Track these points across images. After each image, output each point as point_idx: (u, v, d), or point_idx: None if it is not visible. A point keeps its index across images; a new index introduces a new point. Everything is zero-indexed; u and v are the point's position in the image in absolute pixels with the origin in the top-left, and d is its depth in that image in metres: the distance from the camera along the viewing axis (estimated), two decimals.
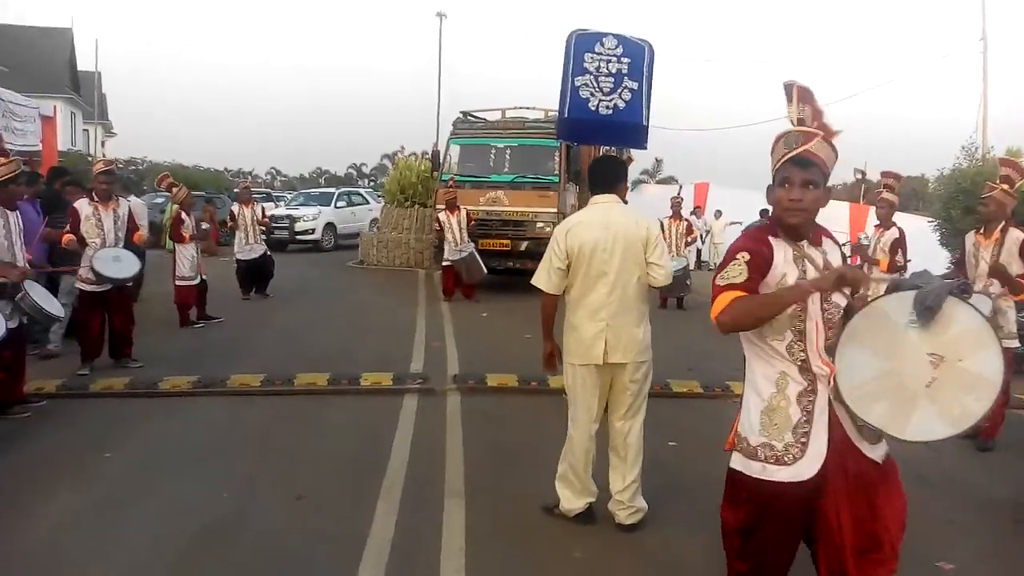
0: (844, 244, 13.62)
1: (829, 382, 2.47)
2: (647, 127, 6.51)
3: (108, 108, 48.44)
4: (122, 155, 51.76)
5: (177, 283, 9.64)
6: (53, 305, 5.93)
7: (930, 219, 13.78)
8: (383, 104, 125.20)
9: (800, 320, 2.49)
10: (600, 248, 3.71)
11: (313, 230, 21.72)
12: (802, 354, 2.49)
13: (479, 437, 5.33)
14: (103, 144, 41.59)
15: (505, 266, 13.32)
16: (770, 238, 2.52)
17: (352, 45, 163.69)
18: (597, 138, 6.63)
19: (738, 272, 2.46)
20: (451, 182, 12.89)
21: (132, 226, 7.37)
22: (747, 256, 2.47)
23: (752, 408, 2.57)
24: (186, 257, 9.64)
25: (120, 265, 7.01)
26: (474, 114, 15.23)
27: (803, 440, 2.52)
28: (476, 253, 12.03)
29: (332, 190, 26.61)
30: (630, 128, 6.37)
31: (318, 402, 6.23)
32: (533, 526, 3.94)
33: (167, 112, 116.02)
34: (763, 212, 17.47)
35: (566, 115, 6.30)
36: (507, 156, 13.79)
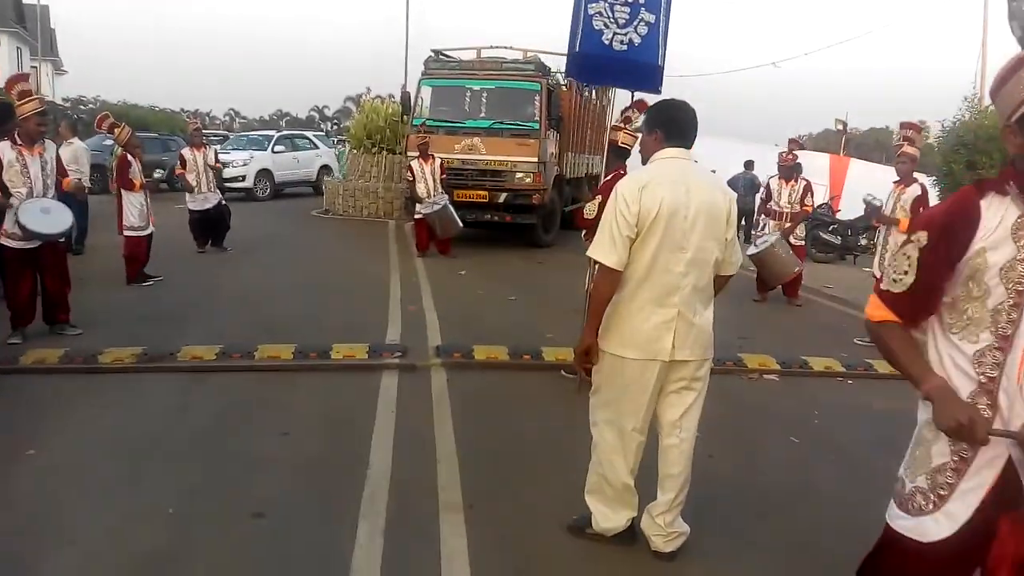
0: (830, 199, 13.06)
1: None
2: (663, 68, 5.71)
3: (58, 44, 45.74)
4: (72, 93, 49.30)
5: (125, 233, 8.69)
6: None
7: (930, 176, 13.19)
8: (348, 45, 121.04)
9: (1012, 319, 1.75)
10: (680, 215, 2.91)
11: (243, 177, 19.55)
12: (993, 371, 1.77)
13: (473, 428, 4.60)
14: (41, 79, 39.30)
15: (483, 219, 12.51)
16: (982, 201, 1.77)
17: None
18: (608, 77, 5.81)
19: (904, 269, 1.76)
20: (423, 127, 11.92)
21: (61, 172, 6.38)
22: (925, 239, 1.76)
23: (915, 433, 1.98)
24: (134, 205, 8.68)
25: (50, 218, 6.05)
26: (447, 53, 14.14)
27: (941, 491, 1.84)
28: (450, 206, 11.17)
29: (270, 133, 24.33)
30: (645, 68, 5.55)
31: (282, 381, 5.43)
32: (552, 549, 3.25)
33: (121, 50, 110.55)
34: (748, 164, 16.85)
35: (577, 49, 5.45)
36: (483, 99, 12.81)
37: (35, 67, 39.29)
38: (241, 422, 4.63)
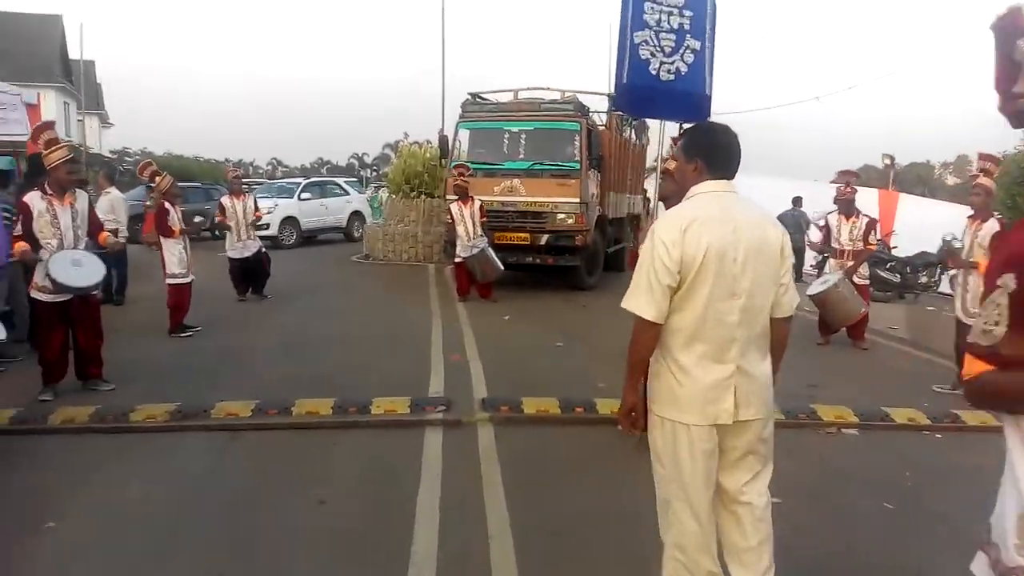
0: (883, 236, 12.42)
1: None
2: (710, 97, 5.36)
3: (104, 98, 47.31)
4: (118, 146, 50.76)
5: (168, 282, 8.56)
6: None
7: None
8: (386, 93, 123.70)
9: None
10: (729, 258, 2.54)
11: (267, 225, 18.74)
12: None
13: (526, 495, 4.17)
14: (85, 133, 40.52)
15: (524, 261, 12.18)
16: None
17: (354, 32, 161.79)
18: (657, 109, 5.47)
19: (995, 320, 1.57)
20: (462, 168, 11.67)
21: (95, 223, 6.22)
22: (1013, 283, 1.54)
23: (1008, 510, 1.64)
24: (174, 253, 8.57)
25: (81, 271, 5.85)
26: (484, 96, 14.00)
27: None
28: (490, 248, 10.87)
29: (298, 180, 24.10)
30: (692, 98, 5.20)
31: (320, 440, 5.09)
32: None
33: (166, 104, 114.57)
34: (796, 200, 16.32)
35: (625, 81, 5.14)
36: (522, 141, 12.57)
37: (81, 120, 40.55)
38: (276, 487, 4.28)
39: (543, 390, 6.12)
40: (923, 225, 18.48)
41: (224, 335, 8.55)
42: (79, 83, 36.09)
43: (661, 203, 4.95)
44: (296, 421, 5.40)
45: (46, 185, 5.83)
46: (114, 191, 10.84)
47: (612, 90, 5.44)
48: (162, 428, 5.27)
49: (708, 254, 2.50)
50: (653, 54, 5.07)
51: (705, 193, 2.67)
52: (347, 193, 22.91)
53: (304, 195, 21.28)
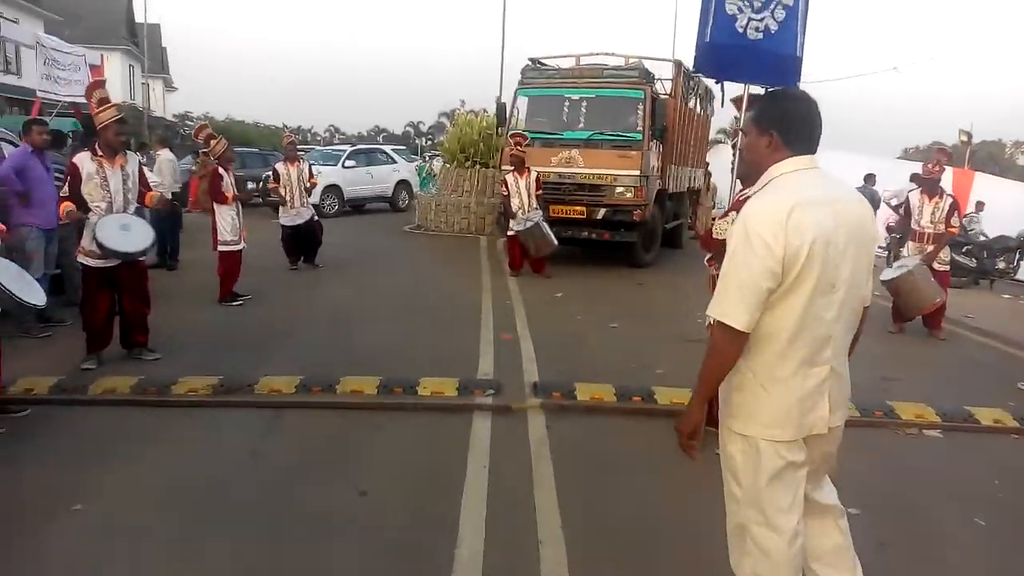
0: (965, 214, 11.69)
1: None
2: (801, 60, 4.87)
3: (169, 62, 48.09)
4: (181, 110, 51.66)
5: (220, 248, 8.46)
6: (30, 290, 4.62)
7: None
8: (444, 61, 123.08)
9: None
10: (832, 246, 2.17)
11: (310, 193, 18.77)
12: None
13: (580, 494, 3.86)
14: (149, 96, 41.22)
15: (579, 236, 11.78)
16: None
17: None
18: (742, 71, 4.99)
19: None
20: (519, 137, 11.26)
21: (144, 185, 6.05)
22: None
23: None
24: (226, 219, 8.44)
25: (129, 236, 5.69)
26: (544, 61, 13.51)
27: None
28: (544, 223, 10.49)
29: (343, 148, 23.31)
30: (781, 60, 4.73)
31: (364, 423, 4.86)
32: None
33: (230, 69, 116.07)
34: (868, 177, 15.48)
35: (708, 39, 4.69)
36: (583, 109, 12.08)
37: (146, 83, 41.27)
38: (315, 473, 4.07)
39: (598, 375, 5.79)
40: (1000, 207, 17.48)
41: (273, 305, 8.42)
42: (143, 46, 36.69)
43: (738, 182, 4.54)
44: (340, 400, 5.18)
45: (97, 146, 5.68)
46: (164, 153, 10.82)
47: (693, 51, 4.97)
48: (204, 403, 5.11)
49: (815, 245, 2.12)
50: (741, 9, 4.61)
51: (790, 173, 2.28)
52: (394, 161, 22.22)
53: (348, 163, 20.57)
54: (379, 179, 21.29)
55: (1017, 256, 14.16)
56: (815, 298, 2.17)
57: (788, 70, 4.83)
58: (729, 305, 2.18)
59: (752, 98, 4.62)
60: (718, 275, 2.33)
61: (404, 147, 31.84)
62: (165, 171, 10.48)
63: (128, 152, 5.98)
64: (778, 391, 2.24)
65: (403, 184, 21.85)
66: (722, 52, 4.80)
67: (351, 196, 20.30)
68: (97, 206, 5.64)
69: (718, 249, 4.39)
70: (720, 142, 27.36)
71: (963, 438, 5.09)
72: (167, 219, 9.85)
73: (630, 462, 4.37)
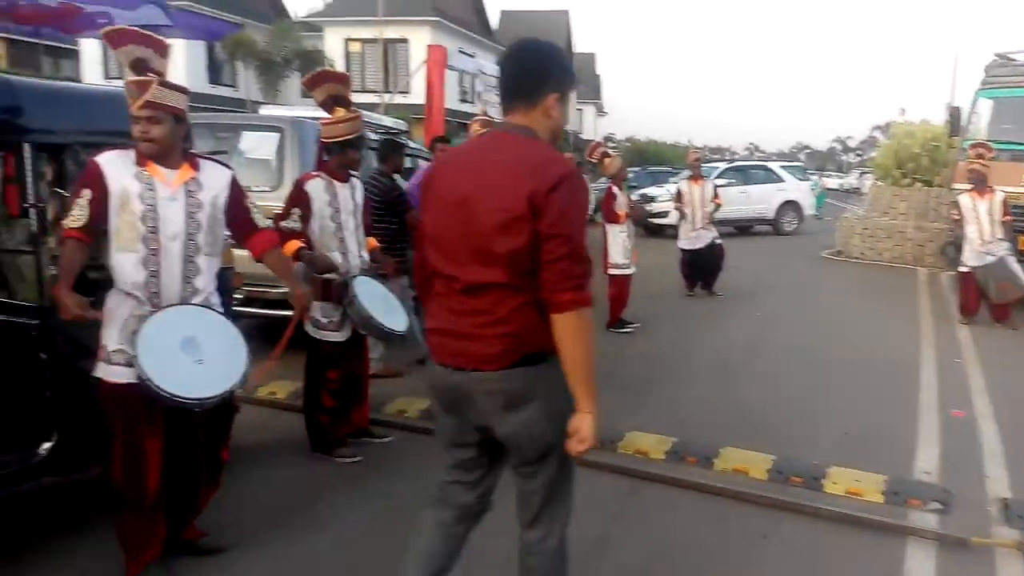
0: None
1: None
2: None
3: (602, 89, 51.90)
4: (608, 132, 55.29)
5: (610, 272, 7.96)
6: (393, 315, 4.34)
7: None
8: (878, 69, 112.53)
9: None
10: None
11: (666, 213, 16.64)
12: None
13: None
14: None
15: None
16: None
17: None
18: None
19: None
20: (981, 148, 8.80)
21: (364, 218, 4.42)
22: None
23: None
24: (618, 240, 7.92)
25: (390, 311, 4.27)
26: (1015, 56, 10.66)
27: None
28: (1012, 259, 8.00)
29: (719, 165, 21.24)
30: None
31: (745, 521, 3.68)
32: None
33: (657, 93, 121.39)
34: None
35: None
36: None
37: (580, 110, 44.55)
38: None
39: None
40: None
41: (659, 339, 7.62)
42: (583, 75, 39.72)
43: None
44: (715, 484, 4.05)
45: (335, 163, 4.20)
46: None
47: None
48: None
49: None
50: None
51: None
52: (780, 180, 19.76)
53: (718, 181, 18.94)
54: (756, 199, 19.10)
55: None
56: None
57: None
58: None
59: None
60: None
61: (800, 163, 28.71)
62: None
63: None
64: None
65: (789, 205, 19.51)
66: None
67: (720, 217, 18.60)
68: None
69: None
70: None
71: None
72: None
73: None
